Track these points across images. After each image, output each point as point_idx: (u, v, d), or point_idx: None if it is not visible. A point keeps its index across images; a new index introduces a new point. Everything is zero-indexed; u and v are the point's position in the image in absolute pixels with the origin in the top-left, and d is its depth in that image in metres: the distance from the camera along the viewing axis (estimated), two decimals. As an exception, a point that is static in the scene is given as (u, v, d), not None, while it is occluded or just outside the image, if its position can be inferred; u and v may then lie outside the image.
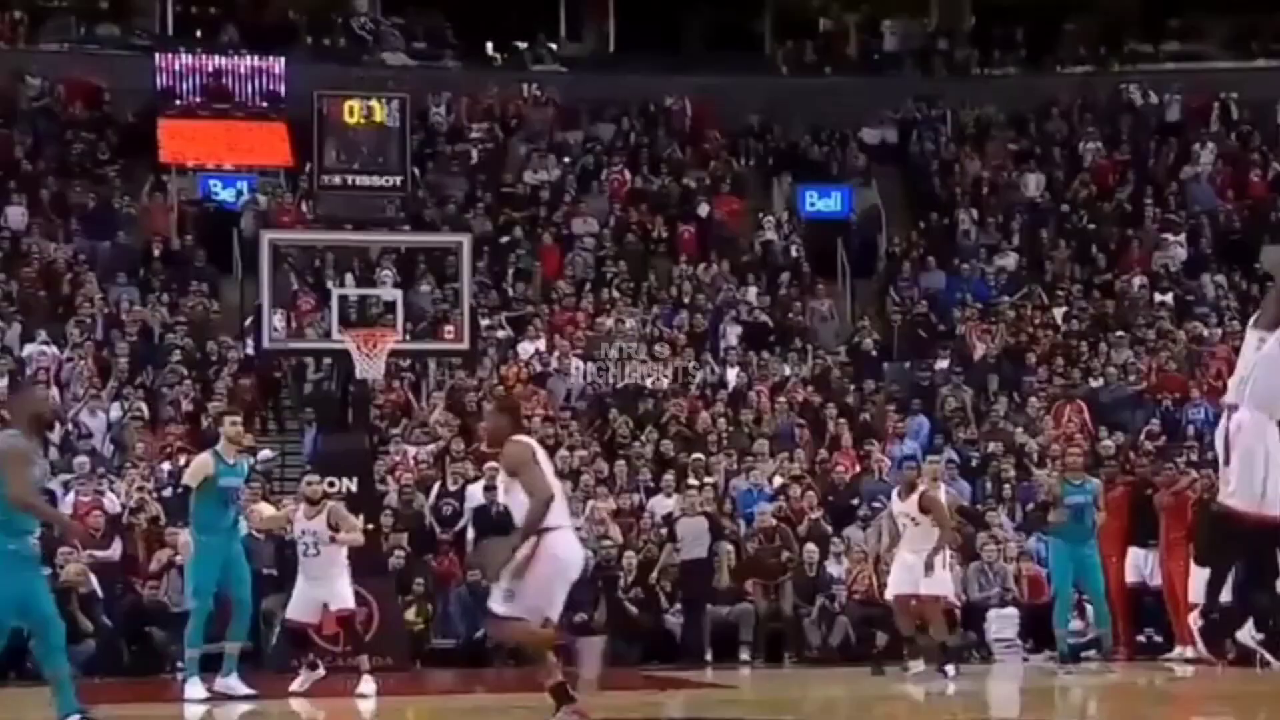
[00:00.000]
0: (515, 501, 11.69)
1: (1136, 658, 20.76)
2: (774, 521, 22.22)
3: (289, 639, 17.84)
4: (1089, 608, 20.77)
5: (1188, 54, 37.60)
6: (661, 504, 22.43)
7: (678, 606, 21.40)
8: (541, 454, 11.96)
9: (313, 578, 17.27)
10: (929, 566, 18.27)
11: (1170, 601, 20.80)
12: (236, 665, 16.87)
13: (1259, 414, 11.14)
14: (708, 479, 22.93)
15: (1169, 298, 30.00)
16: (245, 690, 16.60)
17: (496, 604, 11.70)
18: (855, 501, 23.29)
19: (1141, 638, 21.39)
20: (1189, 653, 19.73)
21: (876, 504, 22.67)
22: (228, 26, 36.42)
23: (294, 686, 17.06)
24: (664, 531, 21.86)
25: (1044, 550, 22.72)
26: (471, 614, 20.90)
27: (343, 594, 17.34)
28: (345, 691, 16.90)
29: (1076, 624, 21.21)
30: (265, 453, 22.75)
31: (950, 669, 18.40)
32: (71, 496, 21.29)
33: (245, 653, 17.50)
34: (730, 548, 21.72)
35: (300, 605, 17.34)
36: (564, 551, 11.75)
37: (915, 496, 18.51)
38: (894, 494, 19.39)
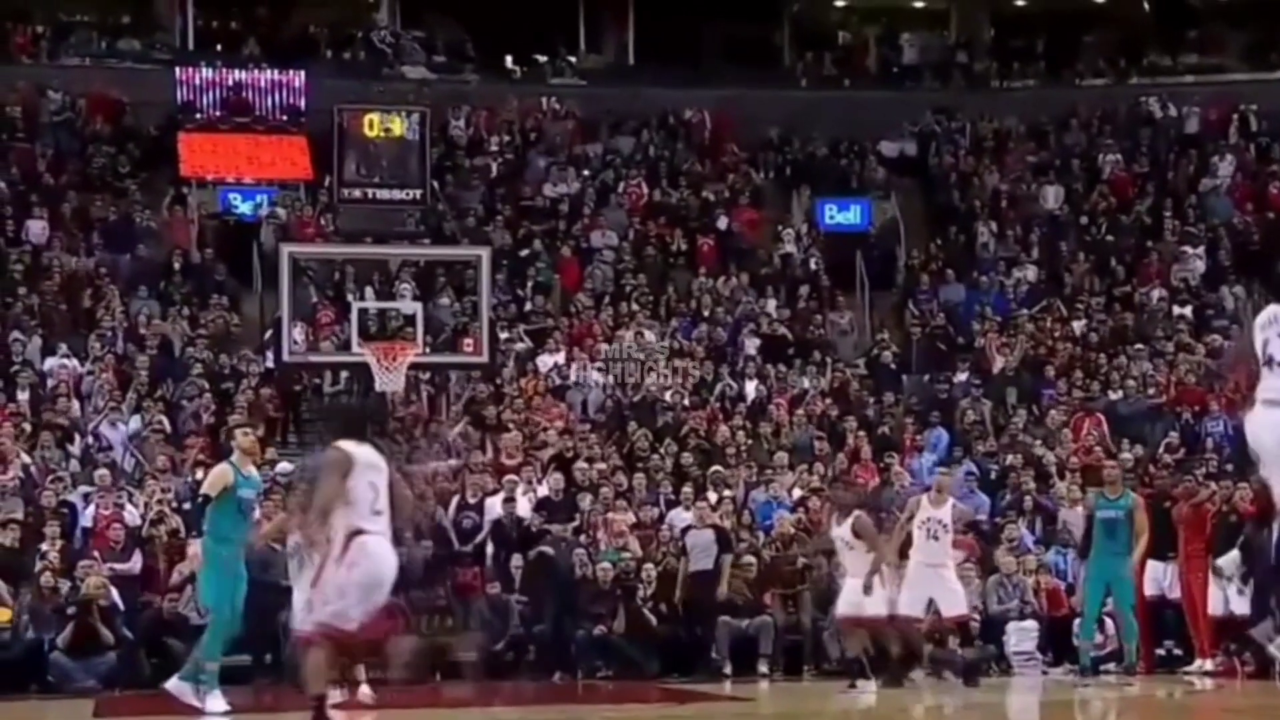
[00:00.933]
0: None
1: (1156, 671, 20.72)
2: (792, 530, 22.24)
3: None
4: (1109, 621, 20.74)
5: (1206, 66, 37.56)
6: (680, 517, 22.41)
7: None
8: (365, 461, 11.81)
9: (304, 589, 17.26)
10: (867, 588, 18.28)
11: (1189, 614, 20.77)
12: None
13: None
14: (726, 492, 22.95)
15: (1188, 310, 29.97)
16: (193, 703, 16.25)
17: (296, 623, 11.71)
18: (880, 514, 23.26)
19: (1161, 651, 21.33)
20: (1208, 665, 19.69)
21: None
22: (248, 40, 36.57)
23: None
24: (681, 544, 21.89)
25: (1063, 563, 22.75)
26: (492, 627, 20.98)
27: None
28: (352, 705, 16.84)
29: (1097, 637, 21.20)
30: (284, 465, 22.80)
31: (915, 675, 18.40)
32: (92, 509, 21.37)
33: (263, 666, 17.48)
34: (729, 558, 21.62)
35: (299, 617, 17.29)
36: (368, 557, 11.64)
37: (850, 520, 18.52)
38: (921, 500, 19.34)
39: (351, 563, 11.59)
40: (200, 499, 16.07)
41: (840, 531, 18.67)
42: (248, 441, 16.91)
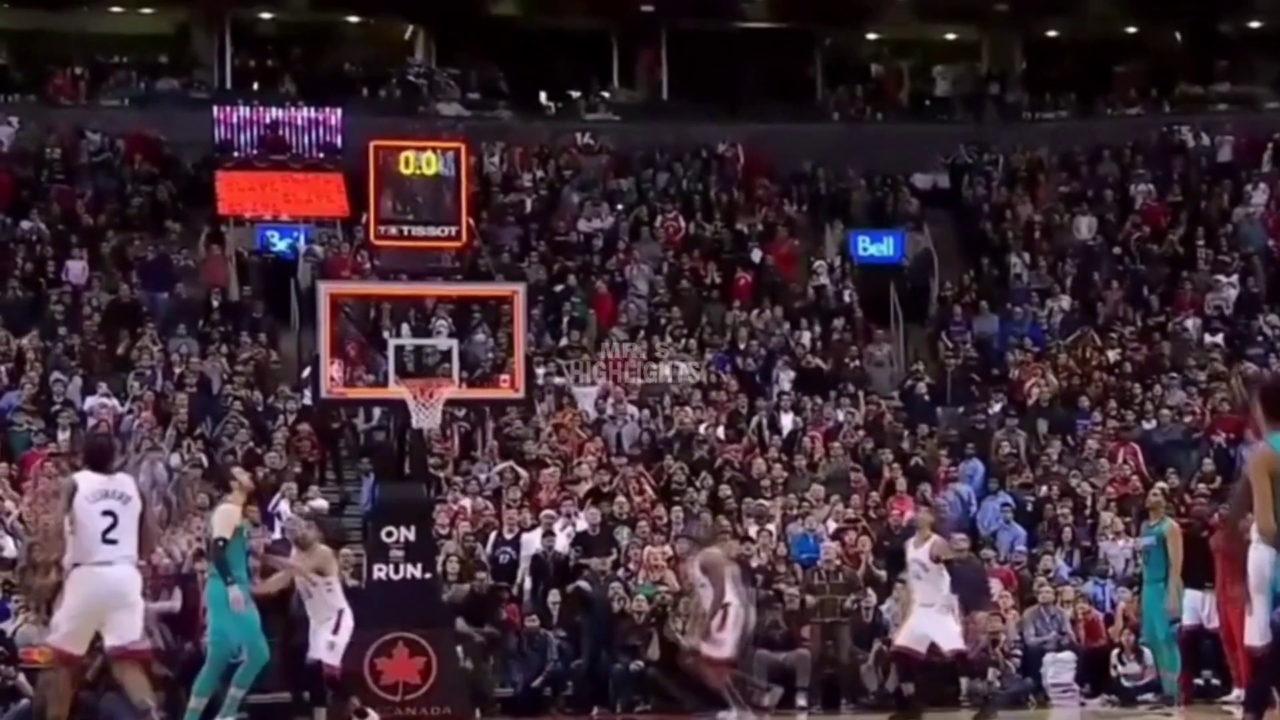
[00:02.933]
0: None
1: (1194, 701, 20.71)
2: (838, 562, 22.28)
3: (324, 685, 17.71)
4: (1146, 651, 20.79)
5: (1238, 95, 37.58)
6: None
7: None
8: (89, 488, 12.64)
9: (315, 619, 17.56)
10: (706, 632, 18.34)
11: (1226, 643, 20.74)
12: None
13: None
14: (769, 526, 23.01)
15: (1220, 338, 29.98)
16: None
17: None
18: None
19: (1199, 680, 21.32)
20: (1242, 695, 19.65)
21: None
22: (285, 79, 36.81)
23: None
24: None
25: (1101, 594, 22.78)
26: (530, 662, 21.08)
27: (316, 643, 17.46)
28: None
29: (1134, 667, 21.25)
30: (319, 503, 22.96)
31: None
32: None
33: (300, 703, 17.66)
34: (754, 592, 21.60)
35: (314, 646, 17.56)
36: (86, 587, 12.53)
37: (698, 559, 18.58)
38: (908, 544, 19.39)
39: (71, 589, 12.59)
40: (219, 542, 16.23)
41: (689, 567, 18.75)
42: (247, 479, 17.28)
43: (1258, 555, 11.43)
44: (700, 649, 18.48)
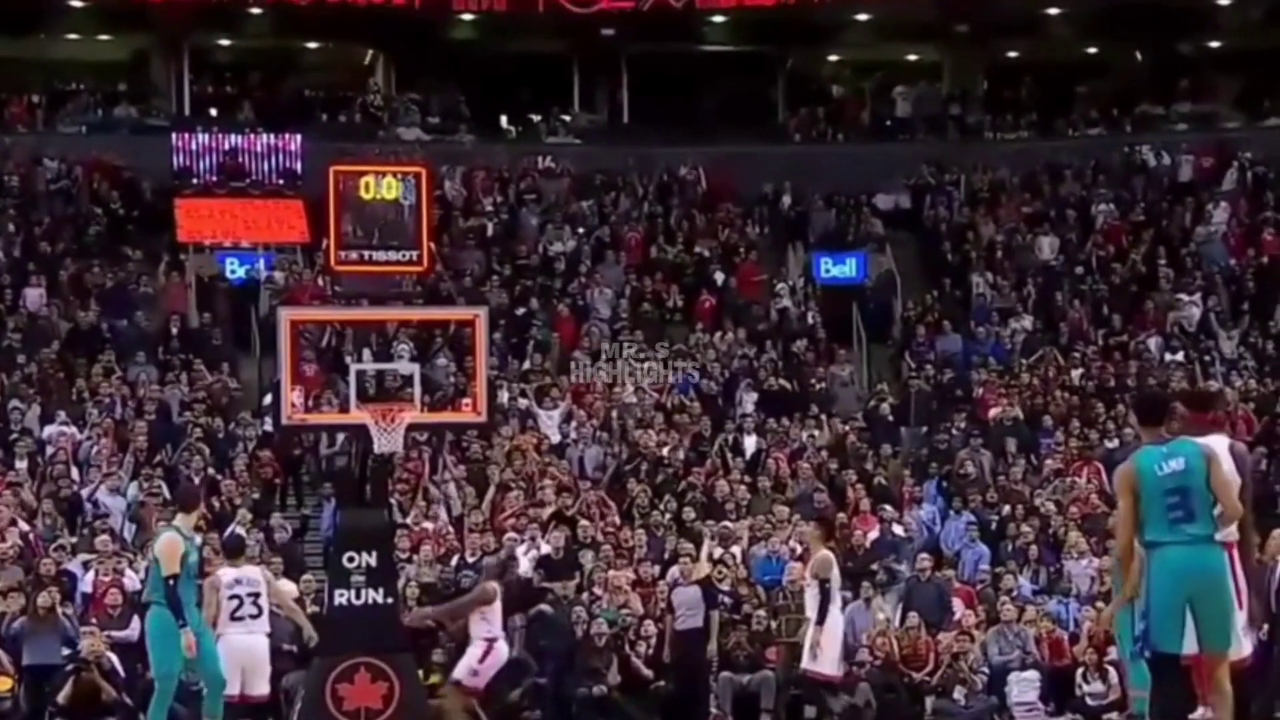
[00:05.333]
0: None
1: None
2: (802, 583, 22.16)
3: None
4: (1111, 670, 20.72)
5: (1199, 114, 37.69)
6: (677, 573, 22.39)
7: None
8: None
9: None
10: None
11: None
12: None
13: None
14: (734, 548, 22.92)
15: (1182, 356, 30.00)
16: None
17: None
18: (874, 567, 23.30)
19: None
20: (1209, 713, 19.58)
21: (898, 565, 22.91)
22: (244, 105, 36.70)
23: None
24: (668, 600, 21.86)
25: (1065, 613, 22.72)
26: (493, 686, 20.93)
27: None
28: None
29: (1098, 686, 21.20)
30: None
31: None
32: (91, 575, 21.37)
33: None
34: (716, 615, 21.53)
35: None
36: None
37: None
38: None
39: None
40: (169, 580, 15.96)
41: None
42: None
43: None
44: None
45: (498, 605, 18.52)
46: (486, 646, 18.21)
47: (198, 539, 17.38)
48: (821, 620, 18.98)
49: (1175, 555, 10.67)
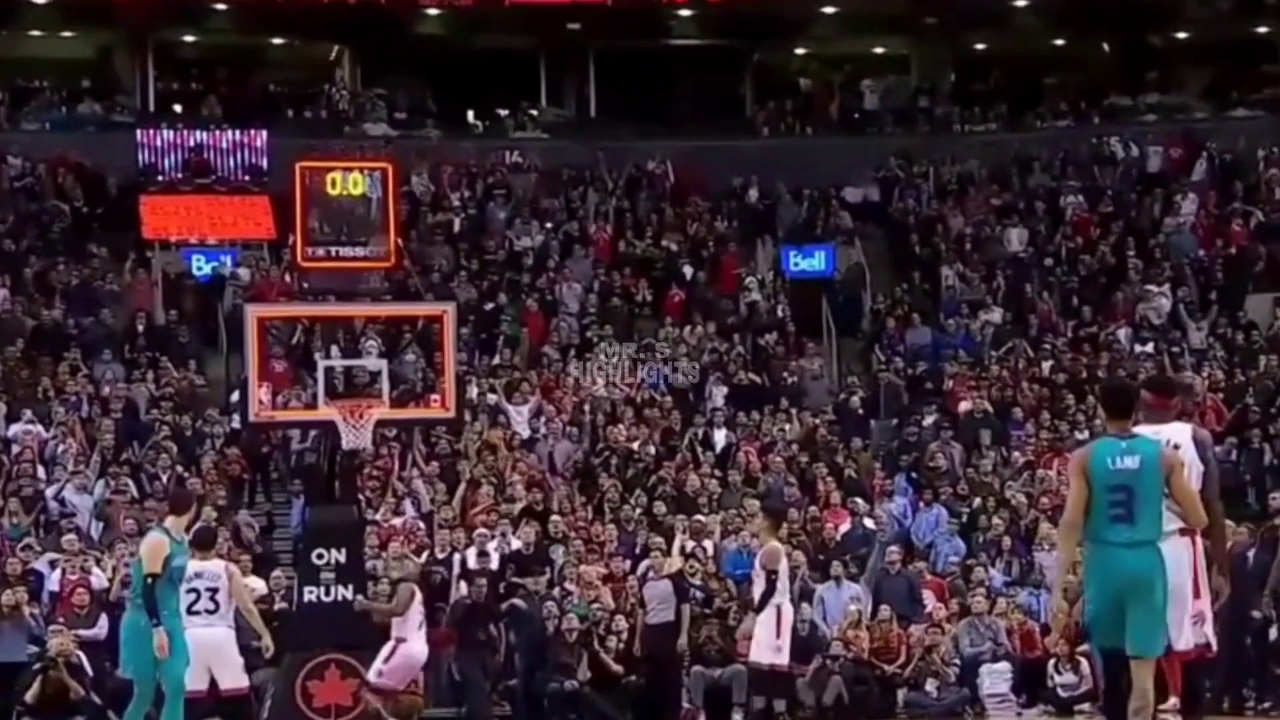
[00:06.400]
0: None
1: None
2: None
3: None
4: (1082, 661, 20.70)
5: (1167, 106, 37.71)
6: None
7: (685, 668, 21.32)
8: None
9: None
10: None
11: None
12: None
13: None
14: (706, 542, 22.85)
15: (1151, 348, 30.00)
16: None
17: None
18: (845, 559, 23.26)
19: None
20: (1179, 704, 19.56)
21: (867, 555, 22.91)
22: (209, 101, 36.50)
23: None
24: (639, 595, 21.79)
25: (1036, 604, 22.70)
26: (461, 684, 20.86)
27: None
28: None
29: (1070, 677, 21.17)
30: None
31: None
32: (58, 574, 21.22)
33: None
34: (687, 609, 21.45)
35: None
36: None
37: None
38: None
39: None
40: (148, 579, 15.64)
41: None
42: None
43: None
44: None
45: (415, 606, 18.60)
46: (394, 646, 18.38)
47: (186, 541, 17.09)
48: (760, 609, 19.09)
49: (1107, 556, 10.53)
